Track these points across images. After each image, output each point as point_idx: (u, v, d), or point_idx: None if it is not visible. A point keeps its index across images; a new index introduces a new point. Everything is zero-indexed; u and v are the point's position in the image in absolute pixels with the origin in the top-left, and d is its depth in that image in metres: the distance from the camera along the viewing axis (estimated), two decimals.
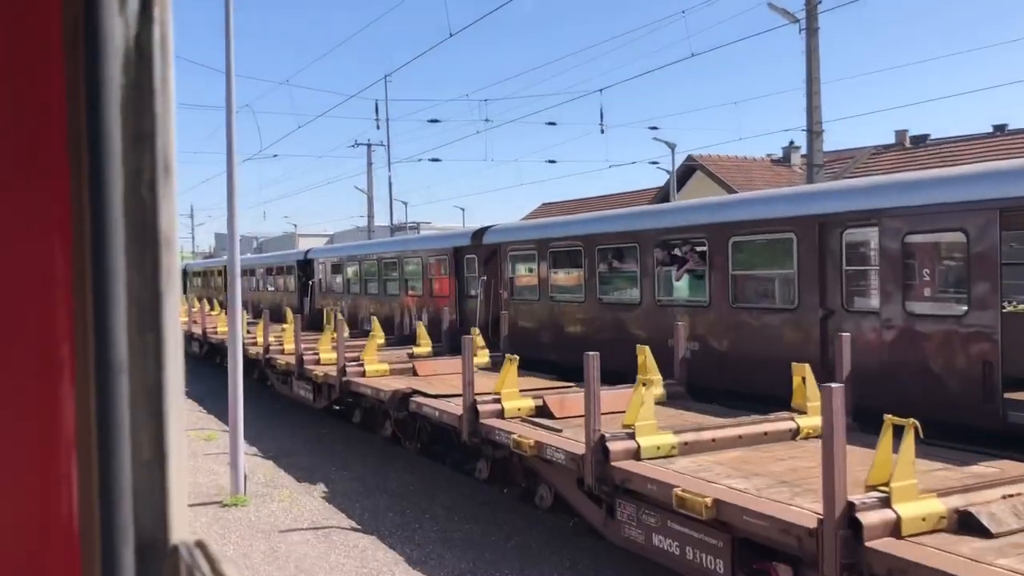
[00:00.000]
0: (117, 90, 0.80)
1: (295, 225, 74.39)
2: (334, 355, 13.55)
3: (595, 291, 13.04)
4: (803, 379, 8.08)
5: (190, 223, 79.09)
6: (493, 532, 8.95)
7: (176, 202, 0.85)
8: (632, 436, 7.05)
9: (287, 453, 13.07)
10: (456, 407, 9.59)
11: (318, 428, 15.03)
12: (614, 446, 6.94)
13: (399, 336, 18.02)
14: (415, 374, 12.77)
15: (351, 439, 13.95)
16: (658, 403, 9.00)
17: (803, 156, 20.51)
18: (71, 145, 0.84)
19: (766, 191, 13.93)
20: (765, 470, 6.54)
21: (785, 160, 34.36)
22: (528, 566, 7.94)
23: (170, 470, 0.83)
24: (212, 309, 24.53)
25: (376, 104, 43.33)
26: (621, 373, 10.23)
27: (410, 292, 19.18)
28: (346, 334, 15.43)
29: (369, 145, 39.77)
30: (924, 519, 4.94)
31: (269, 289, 29.17)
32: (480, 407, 9.10)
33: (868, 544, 4.78)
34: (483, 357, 13.06)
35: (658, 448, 7.05)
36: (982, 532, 4.84)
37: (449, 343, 15.30)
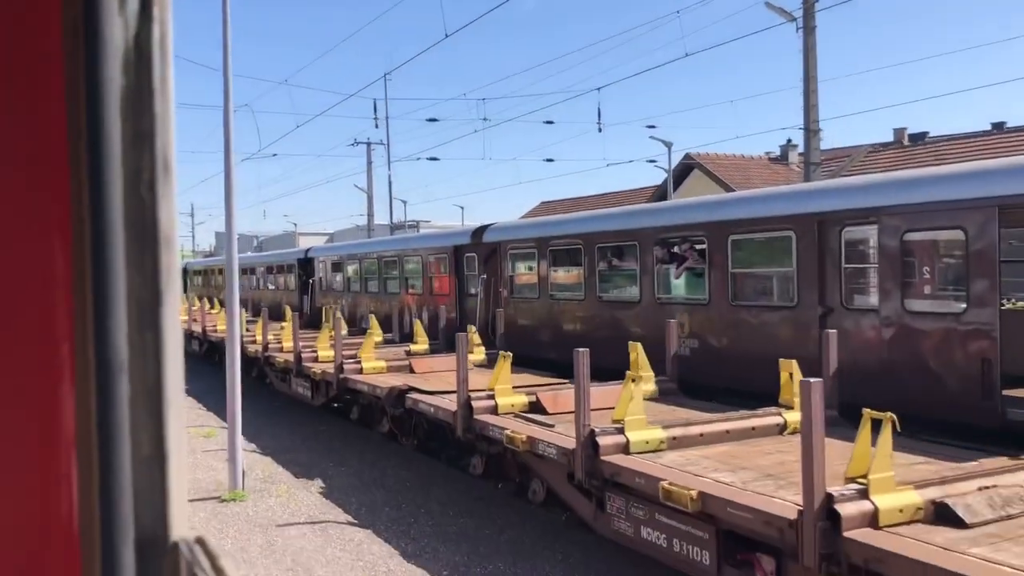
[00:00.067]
0: (117, 90, 0.81)
1: (295, 224, 74.39)
2: (332, 353, 13.63)
3: (595, 289, 13.04)
4: (791, 375, 8.12)
5: (190, 222, 79.10)
6: (487, 526, 9.06)
7: (175, 201, 0.85)
8: (621, 431, 7.16)
9: (285, 450, 13.15)
10: (451, 403, 9.71)
11: (316, 425, 15.09)
12: (604, 441, 7.05)
13: (399, 334, 18.04)
14: (412, 371, 12.86)
15: (349, 436, 14.02)
16: (651, 399, 9.22)
17: (800, 154, 20.52)
18: (71, 144, 0.84)
19: (765, 189, 13.93)
20: (752, 464, 6.65)
21: (783, 158, 34.37)
22: (521, 559, 8.05)
23: (170, 468, 0.83)
24: (212, 308, 24.53)
25: (375, 103, 43.35)
26: (620, 371, 10.23)
27: (410, 291, 19.18)
28: (345, 332, 15.47)
29: (369, 144, 39.78)
30: (901, 510, 5.05)
31: (269, 288, 29.17)
32: (474, 403, 9.23)
33: (846, 534, 4.90)
34: (479, 354, 13.18)
35: (647, 442, 7.16)
36: (957, 523, 4.96)
37: (446, 340, 15.32)
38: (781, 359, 8.32)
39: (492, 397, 9.29)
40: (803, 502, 5.07)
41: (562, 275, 14.24)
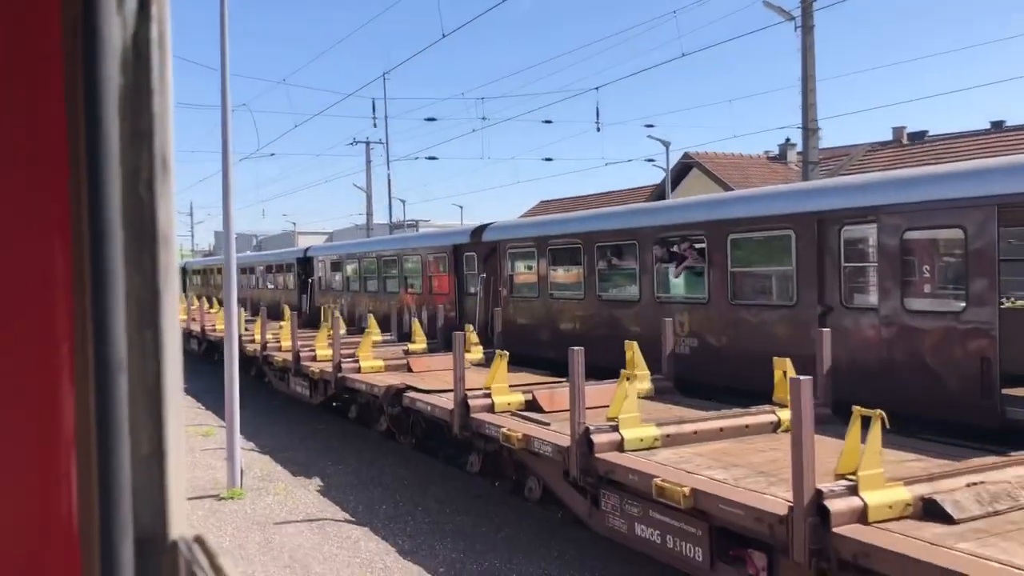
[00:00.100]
0: (115, 89, 0.81)
1: (294, 223, 74.46)
2: (330, 352, 13.67)
3: (594, 288, 13.04)
4: (784, 373, 8.14)
5: (189, 221, 79.09)
6: (483, 524, 9.11)
7: (174, 201, 0.85)
8: (616, 428, 7.22)
9: (284, 448, 13.18)
10: (448, 402, 9.78)
11: (314, 424, 15.12)
12: (598, 438, 7.11)
13: (398, 333, 18.05)
14: (409, 370, 12.92)
15: (347, 434, 14.05)
16: (646, 397, 9.32)
17: (799, 153, 20.53)
18: (70, 144, 0.84)
19: (765, 188, 13.94)
20: (744, 461, 6.71)
21: (781, 157, 34.39)
22: (516, 556, 8.11)
23: (169, 466, 0.83)
24: (211, 307, 24.52)
25: (373, 102, 43.33)
26: (620, 370, 10.24)
27: (409, 290, 19.19)
28: (343, 331, 15.48)
29: (368, 143, 39.79)
30: (890, 506, 5.11)
31: (269, 287, 29.17)
32: (471, 402, 9.29)
33: (835, 530, 4.95)
34: (476, 353, 13.25)
35: (641, 440, 7.22)
36: (945, 519, 5.01)
37: (444, 340, 15.34)
38: (775, 358, 8.34)
39: (489, 395, 9.35)
40: (793, 498, 5.13)
41: (561, 274, 14.25)
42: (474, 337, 13.75)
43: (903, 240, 8.52)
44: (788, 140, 33.60)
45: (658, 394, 9.72)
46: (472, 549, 8.32)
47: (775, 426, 7.85)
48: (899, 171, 11.16)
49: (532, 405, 9.30)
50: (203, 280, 37.57)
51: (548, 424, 8.43)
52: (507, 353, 9.75)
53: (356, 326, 19.97)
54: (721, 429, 7.65)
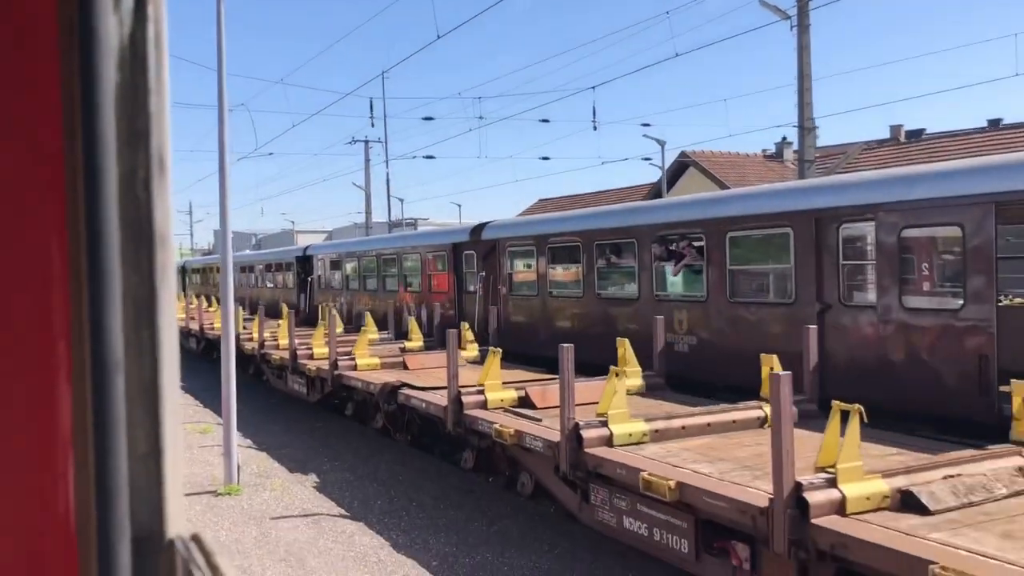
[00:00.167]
0: (112, 89, 0.81)
1: (293, 222, 74.46)
2: (327, 350, 13.70)
3: (593, 286, 13.05)
4: (772, 369, 8.17)
5: (188, 220, 79.05)
6: (477, 518, 9.20)
7: (171, 200, 0.86)
8: (605, 424, 7.33)
9: (281, 445, 13.25)
10: (442, 399, 9.88)
11: (312, 421, 15.17)
12: (587, 433, 7.24)
13: (396, 332, 18.06)
14: (405, 368, 13.02)
15: (344, 432, 14.12)
16: (638, 394, 9.48)
17: (795, 152, 20.55)
18: (66, 143, 0.84)
19: (763, 186, 13.94)
20: (730, 455, 6.84)
21: (778, 156, 34.39)
22: (509, 549, 8.21)
23: (166, 465, 0.83)
24: (210, 306, 24.51)
25: (371, 101, 43.26)
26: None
27: (409, 288, 19.18)
28: (341, 329, 15.50)
29: (367, 142, 39.75)
30: (868, 498, 5.24)
31: (268, 286, 29.15)
32: (464, 398, 9.40)
33: (814, 521, 5.08)
34: (472, 351, 13.36)
35: (630, 435, 7.34)
36: (921, 510, 5.14)
37: (441, 337, 15.37)
38: (762, 354, 8.37)
39: (482, 392, 9.46)
40: (773, 490, 5.26)
41: (561, 272, 14.25)
42: (470, 335, 13.84)
43: (901, 238, 8.52)
44: (784, 139, 33.61)
45: (649, 390, 9.86)
46: (465, 543, 8.42)
47: (762, 421, 7.93)
48: (897, 169, 11.17)
49: (525, 401, 9.41)
50: (202, 279, 37.55)
51: (540, 420, 8.55)
52: (500, 350, 9.85)
53: (355, 325, 19.96)
54: (709, 424, 7.79)
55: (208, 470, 11.55)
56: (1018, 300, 10.49)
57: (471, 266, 16.60)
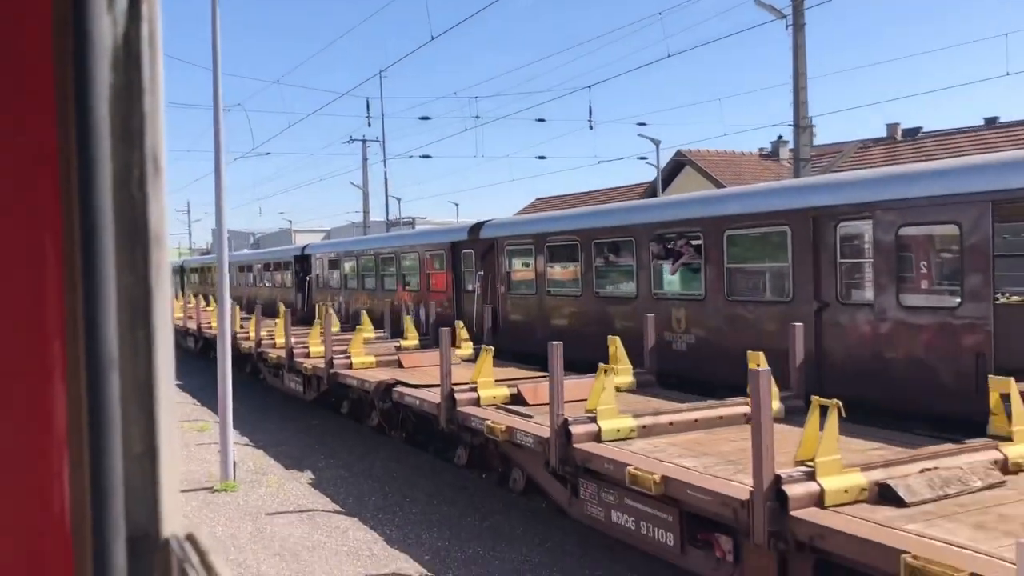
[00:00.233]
0: (106, 88, 0.81)
1: (291, 221, 74.37)
2: (323, 348, 13.75)
3: (591, 285, 13.05)
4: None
5: (187, 219, 78.95)
6: (469, 514, 9.29)
7: (165, 199, 0.86)
8: (594, 420, 7.45)
9: (277, 443, 13.31)
10: (435, 396, 9.98)
11: (308, 419, 15.23)
12: (576, 429, 7.35)
13: (393, 331, 18.06)
14: (400, 366, 13.09)
15: (339, 429, 14.18)
16: (628, 391, 9.64)
17: (791, 150, 20.55)
18: (60, 143, 0.84)
19: (760, 185, 13.94)
20: (715, 450, 6.98)
21: (774, 155, 34.39)
22: (500, 543, 8.30)
23: (161, 464, 0.83)
24: (207, 305, 24.49)
25: (367, 101, 43.17)
26: None
27: (407, 287, 19.18)
28: (337, 328, 15.53)
29: (364, 141, 39.72)
30: (846, 491, 5.35)
31: (266, 285, 29.13)
32: (457, 395, 9.51)
33: (793, 513, 5.19)
34: (467, 349, 13.47)
35: (618, 431, 7.46)
36: (898, 502, 5.25)
37: (436, 336, 15.38)
38: (749, 351, 8.39)
39: (475, 389, 9.54)
40: (753, 484, 5.37)
41: (559, 271, 14.26)
42: (464, 333, 13.89)
43: (898, 236, 8.53)
44: (780, 137, 33.60)
45: (640, 387, 9.97)
46: (457, 538, 8.52)
47: (748, 417, 7.97)
48: (894, 167, 11.17)
49: (517, 399, 9.50)
50: (200, 278, 37.51)
51: (531, 417, 8.65)
52: (492, 348, 9.96)
53: (353, 324, 19.95)
54: (696, 420, 7.90)
55: (205, 467, 11.63)
56: (1015, 298, 10.51)
57: (469, 265, 16.60)
